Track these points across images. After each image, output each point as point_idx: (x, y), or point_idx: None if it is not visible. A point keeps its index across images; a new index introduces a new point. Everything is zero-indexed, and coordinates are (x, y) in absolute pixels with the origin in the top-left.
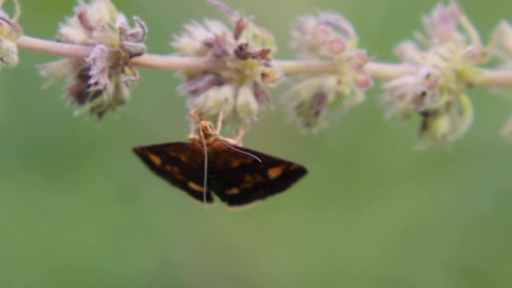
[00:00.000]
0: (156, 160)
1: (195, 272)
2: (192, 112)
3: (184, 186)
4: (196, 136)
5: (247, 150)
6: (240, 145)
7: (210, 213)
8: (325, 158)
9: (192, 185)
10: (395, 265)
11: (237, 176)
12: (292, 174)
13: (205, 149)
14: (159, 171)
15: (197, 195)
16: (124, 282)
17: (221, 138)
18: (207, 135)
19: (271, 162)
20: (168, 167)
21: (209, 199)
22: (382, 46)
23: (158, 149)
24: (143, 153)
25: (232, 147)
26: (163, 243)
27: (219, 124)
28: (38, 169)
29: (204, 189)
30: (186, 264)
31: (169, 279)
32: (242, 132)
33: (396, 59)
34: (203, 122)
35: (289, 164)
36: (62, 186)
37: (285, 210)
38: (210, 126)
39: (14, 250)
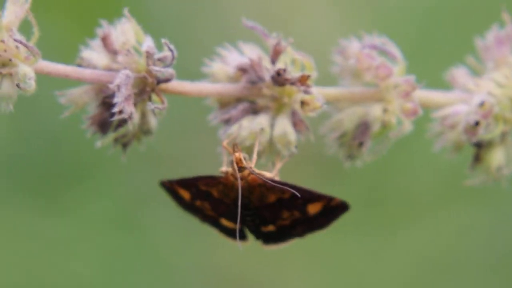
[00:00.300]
0: (186, 194)
1: None
2: (225, 143)
3: (215, 223)
4: (229, 169)
5: (285, 184)
6: (277, 178)
7: (221, 240)
8: (346, 180)
9: (224, 222)
10: None
11: (274, 212)
12: (333, 210)
13: (239, 183)
14: (189, 206)
15: (229, 232)
16: None
17: (257, 171)
18: (241, 168)
19: (311, 197)
20: (198, 203)
21: (243, 237)
22: (431, 71)
23: (188, 183)
24: (171, 187)
25: (269, 181)
26: (169, 275)
27: (254, 156)
28: (28, 191)
29: (238, 226)
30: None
31: None
32: (279, 165)
33: (446, 86)
34: (237, 154)
35: (330, 199)
36: (55, 210)
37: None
38: (244, 158)
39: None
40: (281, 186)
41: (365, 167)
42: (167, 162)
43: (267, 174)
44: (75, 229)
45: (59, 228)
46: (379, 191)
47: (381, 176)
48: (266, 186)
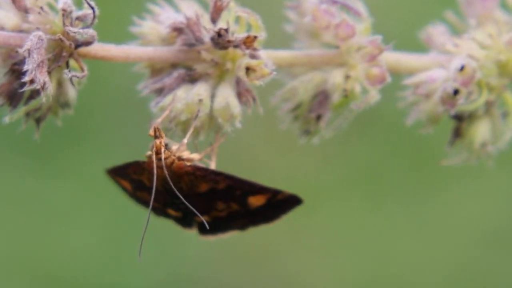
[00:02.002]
0: (127, 185)
1: (215, 286)
2: (151, 129)
3: (163, 213)
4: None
5: (218, 174)
6: (213, 163)
7: None
8: (383, 133)
9: (171, 212)
10: (472, 277)
11: (207, 202)
12: (281, 203)
13: (154, 172)
14: (135, 198)
15: (179, 221)
16: None
17: (185, 156)
18: (160, 154)
19: (252, 189)
20: (139, 193)
21: (188, 225)
22: (402, 29)
23: (121, 172)
24: (114, 178)
25: (198, 170)
26: (175, 248)
27: (189, 133)
28: (19, 150)
29: (148, 216)
30: (205, 275)
31: None
32: (215, 145)
33: (421, 47)
34: (157, 141)
35: (275, 192)
36: (50, 172)
37: (330, 203)
38: (167, 145)
39: None
40: (214, 176)
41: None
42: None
43: (196, 157)
44: (72, 192)
45: (56, 192)
46: (424, 146)
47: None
48: (195, 175)
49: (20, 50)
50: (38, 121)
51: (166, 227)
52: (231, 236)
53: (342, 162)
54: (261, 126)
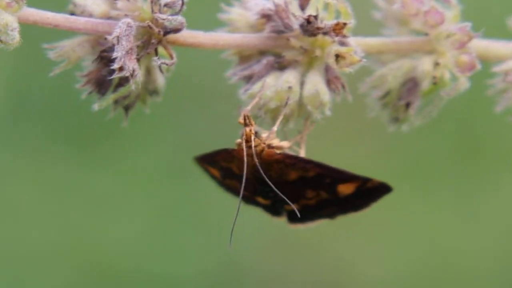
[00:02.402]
0: (215, 173)
1: (264, 277)
2: (241, 117)
3: (252, 201)
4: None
5: (308, 162)
6: (302, 151)
7: None
8: (434, 122)
9: (261, 200)
10: None
11: (296, 190)
12: (371, 191)
13: (245, 161)
14: (224, 186)
15: (269, 209)
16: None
17: (275, 144)
18: (250, 145)
19: (341, 177)
20: (228, 181)
21: (277, 213)
22: (491, 17)
23: (210, 160)
24: (202, 165)
25: (287, 157)
26: (224, 237)
27: (278, 121)
28: (62, 140)
29: (239, 204)
30: (253, 266)
31: (231, 284)
32: (305, 132)
33: (510, 35)
34: (247, 129)
35: (365, 180)
36: (93, 161)
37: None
38: (256, 133)
39: (35, 243)
40: (304, 163)
41: (462, 105)
42: (218, 103)
43: (285, 144)
44: (115, 183)
45: (98, 182)
46: (478, 136)
47: (481, 117)
48: (284, 163)
49: (109, 37)
50: (126, 108)
51: (213, 217)
52: (281, 225)
53: (393, 152)
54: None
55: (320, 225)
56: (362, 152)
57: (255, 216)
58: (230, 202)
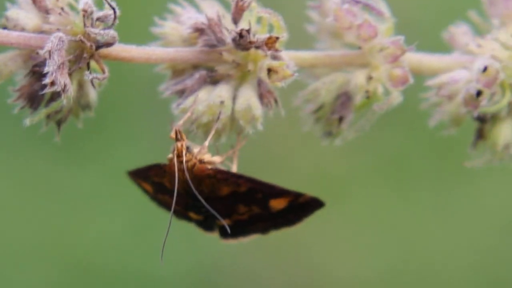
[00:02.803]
0: (148, 187)
1: (240, 277)
2: (172, 132)
3: (185, 216)
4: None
5: (240, 177)
6: (234, 166)
7: None
8: (410, 120)
9: (193, 215)
10: (496, 264)
11: (228, 205)
12: (303, 206)
13: (176, 175)
14: (156, 200)
15: (201, 224)
16: (154, 285)
17: (206, 159)
18: (182, 157)
19: (273, 192)
20: (160, 196)
21: (209, 228)
22: (425, 29)
23: (143, 174)
24: (135, 180)
25: (219, 173)
26: (204, 238)
27: (210, 135)
28: (40, 136)
29: (170, 219)
30: (230, 266)
31: (207, 284)
32: (237, 147)
33: (444, 48)
34: (178, 144)
35: (297, 195)
36: (73, 159)
37: (357, 192)
38: (188, 148)
39: (15, 241)
40: (235, 178)
41: None
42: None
43: (217, 159)
44: (98, 181)
45: (79, 179)
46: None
47: None
48: (216, 178)
49: (41, 52)
50: (59, 123)
51: None
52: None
53: (369, 150)
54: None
55: (298, 226)
56: (338, 151)
57: None
58: None
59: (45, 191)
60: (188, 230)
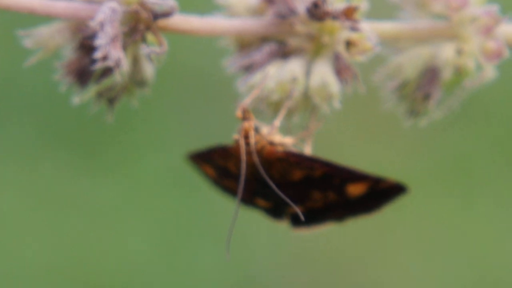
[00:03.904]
0: (211, 172)
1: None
2: (239, 109)
3: (252, 203)
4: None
5: (315, 160)
6: (308, 148)
7: None
8: (481, 122)
9: (261, 202)
10: None
11: (301, 191)
12: (383, 193)
13: (243, 158)
14: (220, 186)
15: (270, 212)
16: None
17: (277, 140)
18: (250, 139)
19: (351, 176)
20: (225, 182)
21: (279, 217)
22: None
23: (205, 157)
24: (196, 163)
25: (291, 155)
26: (243, 252)
27: (281, 114)
28: (61, 146)
29: (237, 207)
30: (274, 282)
31: None
32: (311, 128)
33: None
34: (246, 123)
35: (377, 180)
36: (95, 168)
37: (418, 200)
38: (256, 129)
39: (27, 260)
40: (309, 161)
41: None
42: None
43: (289, 141)
44: (119, 192)
45: (98, 192)
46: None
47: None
48: (288, 161)
49: (92, 23)
50: (111, 101)
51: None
52: (305, 237)
53: (430, 153)
54: (345, 113)
55: (348, 234)
56: (395, 155)
57: (275, 228)
58: (247, 212)
59: (60, 205)
60: (226, 233)
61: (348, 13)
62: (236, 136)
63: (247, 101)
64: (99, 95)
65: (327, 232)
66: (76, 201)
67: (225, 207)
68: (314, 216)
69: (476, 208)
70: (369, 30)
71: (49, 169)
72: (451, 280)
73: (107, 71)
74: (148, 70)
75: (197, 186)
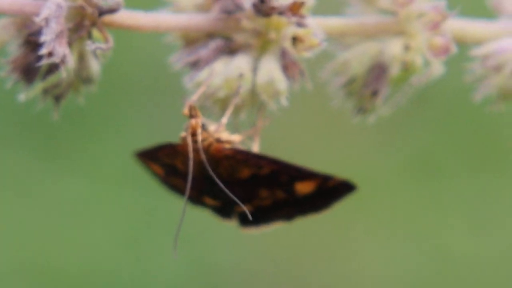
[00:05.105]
0: (158, 170)
1: (242, 280)
2: (186, 108)
3: (200, 202)
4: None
5: (262, 157)
6: (255, 146)
7: None
8: (441, 113)
9: (208, 200)
10: None
11: (249, 190)
12: (332, 191)
13: (191, 155)
14: (168, 184)
15: (218, 211)
16: None
17: (224, 137)
18: (197, 136)
19: (299, 174)
20: (172, 180)
21: (227, 215)
22: None
23: (152, 155)
24: (143, 161)
25: (239, 153)
26: (199, 242)
27: (228, 112)
28: (24, 144)
29: (184, 205)
30: (231, 268)
31: None
32: (258, 125)
33: (490, 14)
34: (193, 121)
35: (326, 178)
36: (59, 168)
37: (381, 194)
38: (204, 126)
39: None
40: (256, 159)
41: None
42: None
43: (236, 139)
44: (83, 191)
45: (65, 190)
46: (487, 128)
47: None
48: (235, 159)
49: (37, 19)
50: (57, 98)
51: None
52: (270, 230)
53: (394, 147)
54: (304, 105)
55: (312, 228)
56: (358, 149)
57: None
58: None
59: (25, 201)
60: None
61: (295, 9)
62: (183, 133)
63: (194, 99)
64: (45, 92)
65: (286, 228)
66: (36, 196)
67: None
68: (262, 215)
69: (438, 202)
70: (316, 26)
71: (6, 164)
72: (413, 272)
73: (53, 68)
74: (94, 66)
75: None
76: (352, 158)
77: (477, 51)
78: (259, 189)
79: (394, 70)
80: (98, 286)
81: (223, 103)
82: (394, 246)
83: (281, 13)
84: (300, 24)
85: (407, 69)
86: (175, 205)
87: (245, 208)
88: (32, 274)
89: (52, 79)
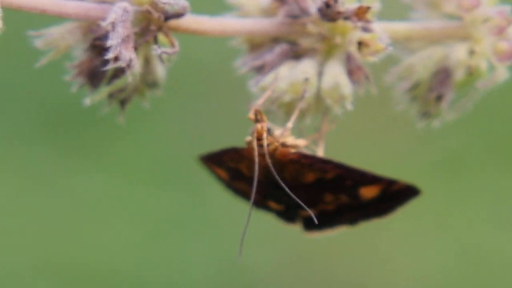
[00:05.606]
0: (222, 174)
1: (272, 281)
2: (251, 111)
3: (264, 206)
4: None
5: (327, 162)
6: (320, 150)
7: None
8: (475, 118)
9: (273, 205)
10: None
11: (313, 194)
12: (396, 195)
13: (256, 160)
14: (232, 188)
15: (282, 215)
16: None
17: (290, 142)
18: (263, 140)
19: (364, 179)
20: (237, 184)
21: (291, 219)
22: None
23: (217, 159)
24: (208, 165)
25: (304, 157)
26: (227, 241)
27: (293, 117)
28: (48, 138)
29: (249, 208)
30: (260, 269)
31: None
32: (323, 129)
33: None
34: (258, 125)
35: (390, 182)
36: (83, 163)
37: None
38: (269, 130)
39: (16, 252)
40: (322, 164)
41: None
42: (227, 96)
43: (301, 143)
44: (108, 187)
45: (89, 185)
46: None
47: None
48: (300, 163)
49: (103, 23)
50: (122, 102)
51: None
52: (294, 234)
53: (424, 147)
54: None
55: (340, 233)
56: (388, 150)
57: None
58: (241, 205)
59: (50, 198)
60: (217, 238)
61: (360, 13)
62: (248, 138)
63: (259, 103)
64: (111, 96)
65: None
66: (61, 193)
67: (212, 203)
68: (326, 219)
69: (467, 200)
70: (381, 31)
71: (32, 162)
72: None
73: (118, 72)
74: (160, 71)
75: (186, 183)
76: (382, 157)
77: None
78: (323, 193)
79: (459, 75)
80: (122, 286)
81: (288, 108)
82: (426, 245)
83: (347, 17)
84: (365, 29)
85: (472, 73)
86: (201, 204)
87: (311, 212)
88: (57, 272)
89: (118, 83)
